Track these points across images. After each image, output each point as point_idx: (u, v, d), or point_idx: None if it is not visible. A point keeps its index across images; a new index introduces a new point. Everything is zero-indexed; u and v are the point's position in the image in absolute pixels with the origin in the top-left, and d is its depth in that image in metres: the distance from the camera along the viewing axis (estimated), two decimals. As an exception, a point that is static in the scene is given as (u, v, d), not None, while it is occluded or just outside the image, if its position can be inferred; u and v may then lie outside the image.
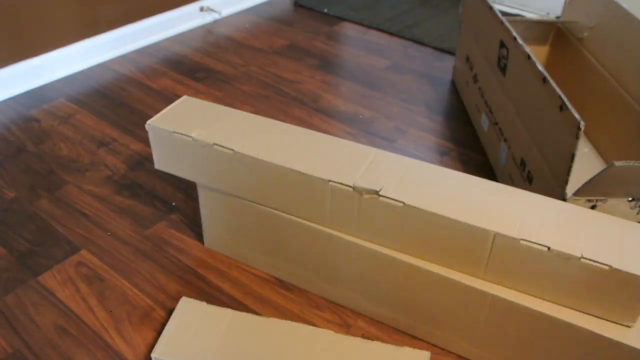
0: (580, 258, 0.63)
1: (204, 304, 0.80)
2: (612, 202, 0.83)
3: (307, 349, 0.74)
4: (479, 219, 0.68)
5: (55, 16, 1.48)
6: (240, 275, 0.93)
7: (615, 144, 1.15)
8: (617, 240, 0.66)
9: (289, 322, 0.78)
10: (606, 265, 0.63)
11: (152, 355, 0.73)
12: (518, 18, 1.38)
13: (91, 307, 0.87)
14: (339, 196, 0.75)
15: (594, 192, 0.82)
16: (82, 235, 1.01)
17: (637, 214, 0.85)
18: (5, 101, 1.43)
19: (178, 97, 1.45)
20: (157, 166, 0.90)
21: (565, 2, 1.37)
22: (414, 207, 0.70)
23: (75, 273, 0.93)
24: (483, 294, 0.71)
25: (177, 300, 0.89)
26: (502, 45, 1.10)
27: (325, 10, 1.98)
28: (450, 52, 1.68)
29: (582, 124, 0.77)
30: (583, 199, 0.83)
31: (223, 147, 0.79)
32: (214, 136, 0.81)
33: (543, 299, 0.69)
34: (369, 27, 1.87)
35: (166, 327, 0.76)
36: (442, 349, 0.82)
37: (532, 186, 0.95)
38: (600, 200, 0.83)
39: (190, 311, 0.79)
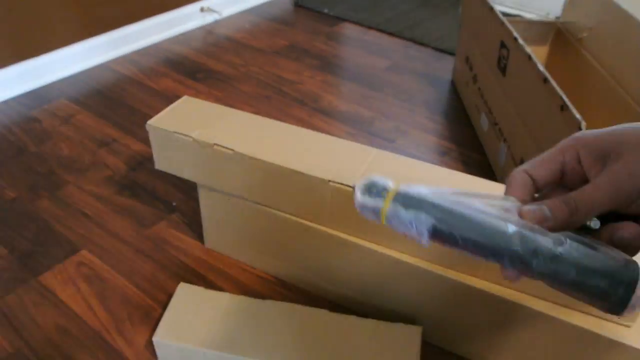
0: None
1: (201, 288, 0.81)
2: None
3: (303, 327, 0.75)
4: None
5: (56, 16, 1.49)
6: (240, 275, 0.94)
7: (614, 144, 1.14)
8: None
9: (284, 302, 0.79)
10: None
11: (154, 339, 0.74)
12: (517, 18, 1.38)
13: (92, 307, 0.88)
14: (339, 196, 0.75)
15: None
16: (83, 235, 1.01)
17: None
18: (6, 101, 1.43)
19: (178, 97, 1.44)
20: (157, 166, 0.90)
21: (565, 3, 1.37)
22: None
23: (76, 273, 0.93)
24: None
25: (177, 300, 0.89)
26: (502, 45, 1.10)
27: (326, 11, 1.98)
28: (450, 53, 1.68)
29: (584, 124, 0.77)
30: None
31: (223, 147, 0.79)
32: (214, 136, 0.81)
33: (543, 299, 0.69)
34: (369, 27, 1.87)
35: (166, 312, 0.77)
36: (442, 349, 0.82)
37: (531, 186, 0.95)
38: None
39: (188, 296, 0.80)
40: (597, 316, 0.67)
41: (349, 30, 1.86)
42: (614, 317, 0.66)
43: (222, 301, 0.79)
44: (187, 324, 0.75)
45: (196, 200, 0.92)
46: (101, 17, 1.59)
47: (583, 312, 0.68)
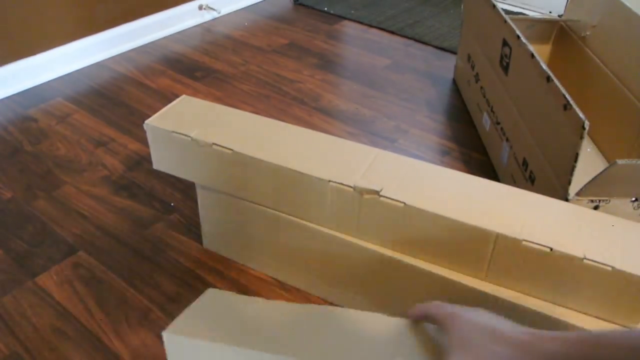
0: (583, 259, 0.63)
1: (233, 293, 0.75)
2: (615, 202, 0.83)
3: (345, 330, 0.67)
4: (481, 220, 0.67)
5: (53, 15, 1.47)
6: (239, 277, 0.92)
7: (618, 143, 1.14)
8: (620, 241, 0.65)
9: (322, 306, 0.69)
10: (609, 266, 0.62)
11: (163, 332, 0.70)
12: (520, 16, 1.37)
13: (89, 309, 0.87)
14: (339, 196, 0.74)
15: (597, 192, 0.81)
16: (80, 235, 1.00)
17: (641, 214, 0.84)
18: (2, 100, 1.42)
19: (177, 96, 1.44)
20: (155, 166, 0.89)
21: (568, 1, 1.36)
22: (415, 208, 0.69)
23: (73, 274, 0.92)
24: (484, 296, 0.70)
25: (175, 301, 0.88)
26: (504, 43, 1.09)
27: (326, 9, 1.97)
28: (452, 51, 1.67)
29: (587, 124, 0.76)
30: (585, 200, 0.82)
31: (222, 147, 0.78)
32: (213, 136, 0.80)
33: (545, 300, 0.69)
34: (370, 25, 1.86)
35: (186, 310, 0.72)
36: (444, 351, 0.81)
37: (534, 186, 0.94)
38: (603, 200, 0.82)
39: (215, 298, 0.74)
40: (598, 317, 0.67)
41: (349, 28, 1.85)
42: (616, 319, 0.66)
43: (251, 305, 0.72)
44: (203, 322, 0.69)
45: (195, 200, 0.91)
46: (98, 15, 1.58)
47: (583, 313, 0.67)
